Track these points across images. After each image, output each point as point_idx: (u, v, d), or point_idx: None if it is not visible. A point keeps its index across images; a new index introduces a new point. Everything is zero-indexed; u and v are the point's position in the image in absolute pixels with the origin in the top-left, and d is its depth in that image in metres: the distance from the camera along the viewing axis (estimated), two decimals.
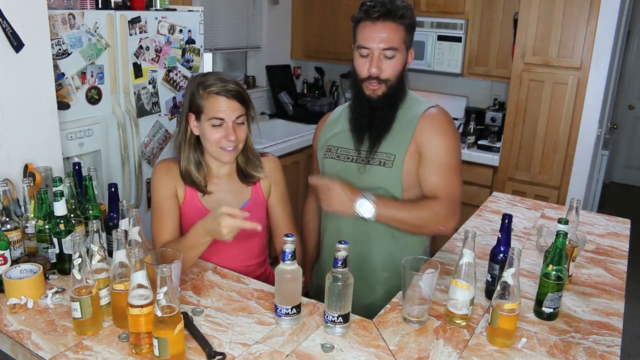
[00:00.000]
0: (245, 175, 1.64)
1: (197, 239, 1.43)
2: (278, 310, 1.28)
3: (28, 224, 1.53)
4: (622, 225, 2.01)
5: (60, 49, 2.06)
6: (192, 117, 1.55)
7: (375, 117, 1.58)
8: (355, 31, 1.57)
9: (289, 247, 1.24)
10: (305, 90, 4.44)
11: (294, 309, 1.28)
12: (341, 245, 1.20)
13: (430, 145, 1.56)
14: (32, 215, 1.54)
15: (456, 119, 3.77)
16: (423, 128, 1.57)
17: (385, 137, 1.59)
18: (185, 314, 1.24)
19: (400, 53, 1.53)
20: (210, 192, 1.61)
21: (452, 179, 1.57)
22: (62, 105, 2.08)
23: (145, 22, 2.36)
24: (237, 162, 1.64)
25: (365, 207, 1.46)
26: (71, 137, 2.15)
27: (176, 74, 2.57)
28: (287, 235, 1.23)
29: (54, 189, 1.47)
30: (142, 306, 1.12)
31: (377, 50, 1.51)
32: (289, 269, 1.25)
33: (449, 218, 1.55)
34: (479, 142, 3.53)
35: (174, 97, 2.59)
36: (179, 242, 1.48)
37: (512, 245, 1.27)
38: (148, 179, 2.53)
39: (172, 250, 1.39)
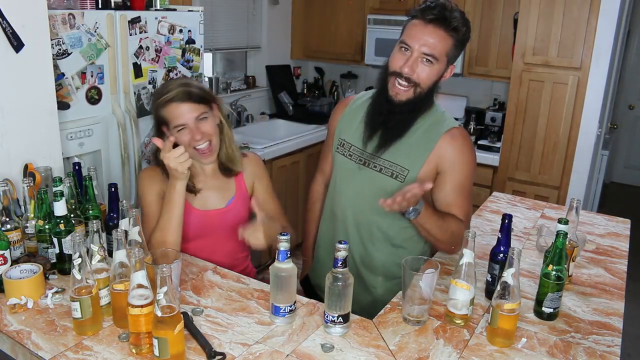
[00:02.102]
0: (225, 168, 1.68)
1: (169, 194, 1.52)
2: (273, 309, 1.29)
3: (28, 224, 1.53)
4: (622, 225, 2.01)
5: (60, 49, 2.06)
6: (165, 128, 1.60)
7: (391, 120, 1.54)
8: (405, 25, 1.52)
9: (284, 246, 1.23)
10: (305, 90, 4.44)
11: (289, 308, 1.28)
12: (341, 245, 1.20)
13: (452, 167, 1.54)
14: (32, 215, 1.54)
15: (456, 119, 3.75)
16: (446, 148, 1.53)
17: (399, 145, 1.55)
18: (185, 314, 1.24)
19: (440, 64, 1.47)
20: (199, 189, 1.65)
21: (468, 204, 1.58)
22: (62, 105, 2.08)
23: (145, 22, 2.36)
24: (218, 157, 1.67)
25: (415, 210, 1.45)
26: (71, 137, 2.15)
27: (176, 74, 2.57)
28: (282, 234, 1.24)
29: (54, 189, 1.47)
30: (142, 306, 1.12)
31: (417, 51, 1.45)
32: (284, 267, 1.25)
33: (461, 242, 1.56)
34: (479, 142, 3.53)
35: None
36: (161, 216, 1.55)
37: (512, 245, 1.27)
38: None
39: (172, 250, 1.40)
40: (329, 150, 1.79)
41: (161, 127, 1.61)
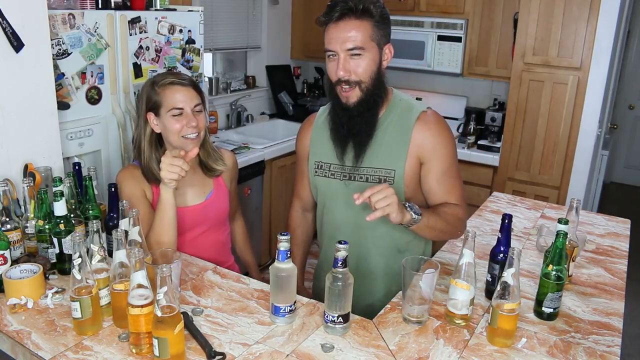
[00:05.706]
0: (208, 168, 1.70)
1: (161, 196, 1.52)
2: (273, 309, 1.29)
3: (28, 224, 1.53)
4: (622, 225, 2.01)
5: (60, 49, 2.06)
6: (152, 115, 1.59)
7: (354, 125, 1.51)
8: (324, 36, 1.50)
9: (284, 246, 1.23)
10: (305, 90, 4.44)
11: (289, 308, 1.28)
12: (341, 246, 1.20)
13: (435, 154, 1.51)
14: (32, 215, 1.54)
15: (456, 119, 3.77)
16: (423, 135, 1.51)
17: (376, 148, 1.53)
18: (185, 314, 1.24)
19: (369, 51, 1.43)
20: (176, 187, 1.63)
21: (459, 184, 1.57)
22: (62, 105, 2.08)
23: (145, 22, 2.36)
24: (199, 156, 1.67)
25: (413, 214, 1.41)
26: (71, 137, 2.15)
27: None
28: (282, 234, 1.23)
29: (54, 189, 1.47)
30: (142, 306, 1.12)
31: (342, 51, 1.42)
32: (284, 267, 1.25)
33: (465, 223, 1.58)
34: (479, 142, 3.53)
35: None
36: (154, 219, 1.55)
37: (512, 245, 1.27)
38: None
39: (172, 250, 1.40)
40: (303, 175, 1.73)
41: (146, 115, 1.59)
